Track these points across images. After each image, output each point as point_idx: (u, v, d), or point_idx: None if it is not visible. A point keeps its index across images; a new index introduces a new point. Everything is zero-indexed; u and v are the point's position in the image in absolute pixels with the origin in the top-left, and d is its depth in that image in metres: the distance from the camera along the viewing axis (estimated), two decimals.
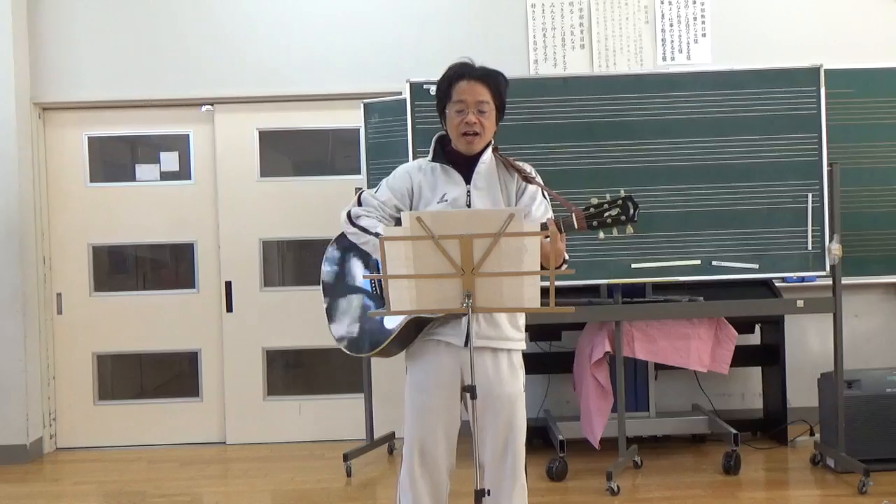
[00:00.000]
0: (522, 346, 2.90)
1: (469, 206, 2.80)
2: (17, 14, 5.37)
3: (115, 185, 5.70)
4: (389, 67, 5.39)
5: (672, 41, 5.51)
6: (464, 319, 2.75)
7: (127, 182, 5.71)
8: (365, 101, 5.11)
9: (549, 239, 2.56)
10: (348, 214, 2.93)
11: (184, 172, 5.70)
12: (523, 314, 2.87)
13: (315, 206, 5.55)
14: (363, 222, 2.87)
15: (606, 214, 2.64)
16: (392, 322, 2.82)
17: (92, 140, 5.69)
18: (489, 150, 2.86)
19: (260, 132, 5.66)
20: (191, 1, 5.55)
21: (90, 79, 5.54)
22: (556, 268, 2.66)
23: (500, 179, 2.86)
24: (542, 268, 2.57)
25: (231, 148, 5.62)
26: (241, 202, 5.62)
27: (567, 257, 2.74)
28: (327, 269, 3.06)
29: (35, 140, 5.55)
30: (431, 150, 2.92)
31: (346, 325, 2.97)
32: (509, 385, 2.83)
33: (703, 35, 5.51)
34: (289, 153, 5.82)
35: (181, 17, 5.54)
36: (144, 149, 5.77)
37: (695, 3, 5.51)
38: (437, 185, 2.85)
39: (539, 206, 2.83)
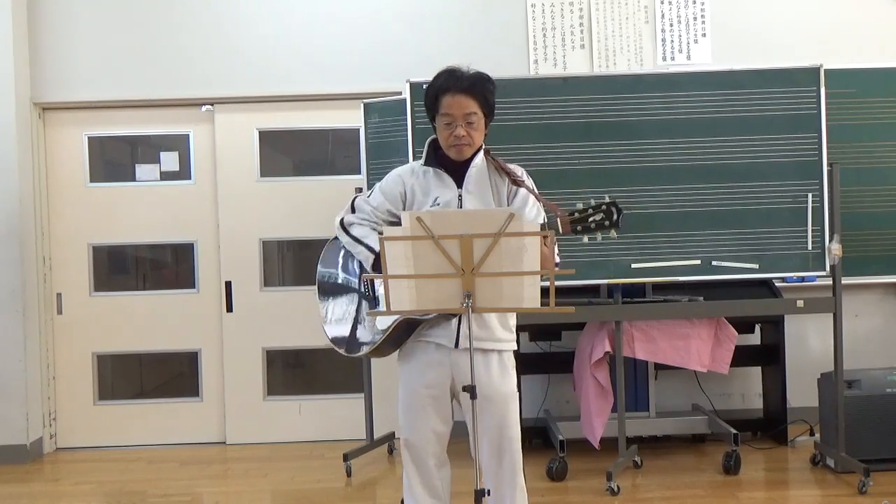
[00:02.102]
0: (513, 346, 2.91)
1: (461, 209, 2.83)
2: (17, 14, 5.37)
3: (115, 185, 5.70)
4: (389, 67, 5.39)
5: (672, 41, 5.51)
6: (454, 321, 2.78)
7: (127, 182, 5.71)
8: (365, 101, 5.12)
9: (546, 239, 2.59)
10: (342, 222, 2.96)
11: (184, 172, 5.70)
12: (514, 314, 2.88)
13: (315, 206, 5.54)
14: (355, 231, 2.92)
15: (591, 219, 2.69)
16: (384, 322, 2.84)
17: (92, 140, 5.69)
18: (480, 153, 2.88)
19: (260, 132, 5.66)
20: (191, 1, 5.55)
21: (90, 79, 5.54)
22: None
23: (492, 182, 2.89)
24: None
25: (231, 148, 5.62)
26: (241, 202, 5.62)
27: (558, 260, 2.75)
28: (322, 270, 3.08)
29: (35, 140, 5.55)
30: (424, 153, 2.93)
31: (341, 326, 3.00)
32: (500, 385, 2.84)
33: (703, 35, 5.51)
34: (289, 153, 5.82)
35: (181, 16, 5.54)
36: (144, 149, 5.77)
37: (695, 3, 5.51)
38: (430, 188, 2.88)
39: (532, 209, 2.84)
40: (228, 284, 5.62)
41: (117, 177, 5.74)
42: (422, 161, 2.93)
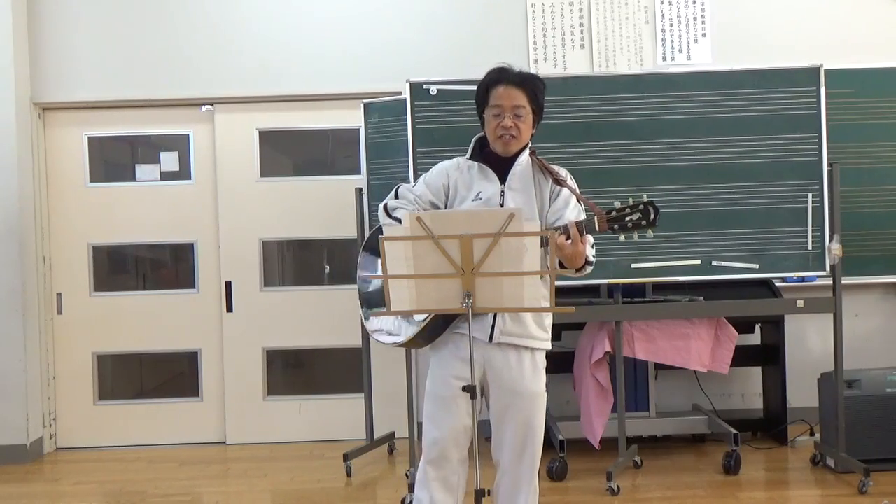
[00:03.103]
0: (547, 345, 2.91)
1: (502, 205, 2.84)
2: (17, 14, 5.37)
3: (115, 185, 5.70)
4: (389, 67, 5.39)
5: (672, 41, 5.51)
6: (489, 315, 2.77)
7: (127, 182, 5.71)
8: (365, 101, 5.11)
9: (570, 241, 2.62)
10: (385, 206, 2.96)
11: (184, 172, 5.70)
12: (550, 314, 2.89)
13: (315, 206, 5.55)
14: (399, 213, 2.89)
15: (628, 218, 2.70)
16: (420, 315, 2.83)
17: (92, 140, 5.69)
18: (526, 151, 2.90)
19: (260, 132, 5.66)
20: (191, 1, 5.55)
21: (90, 79, 5.54)
22: (579, 269, 2.69)
23: (535, 181, 2.90)
24: (563, 267, 2.61)
25: (231, 148, 5.62)
26: (241, 202, 5.62)
27: (593, 259, 2.77)
28: (361, 275, 3.08)
29: (35, 140, 5.55)
30: (470, 149, 2.96)
31: (381, 320, 2.99)
32: (531, 383, 2.85)
33: (703, 35, 5.51)
34: (289, 153, 5.82)
35: (181, 17, 5.54)
36: (144, 149, 5.77)
37: (695, 3, 5.51)
38: (473, 182, 2.90)
39: (573, 210, 2.86)
40: (228, 284, 5.62)
41: (117, 177, 5.74)
42: (467, 156, 2.95)
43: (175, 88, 5.55)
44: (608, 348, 4.53)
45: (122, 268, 5.84)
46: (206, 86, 5.55)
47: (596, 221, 2.71)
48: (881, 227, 4.98)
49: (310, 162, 5.82)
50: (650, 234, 2.72)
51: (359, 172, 5.34)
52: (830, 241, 4.38)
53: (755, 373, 5.49)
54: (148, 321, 5.64)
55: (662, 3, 5.52)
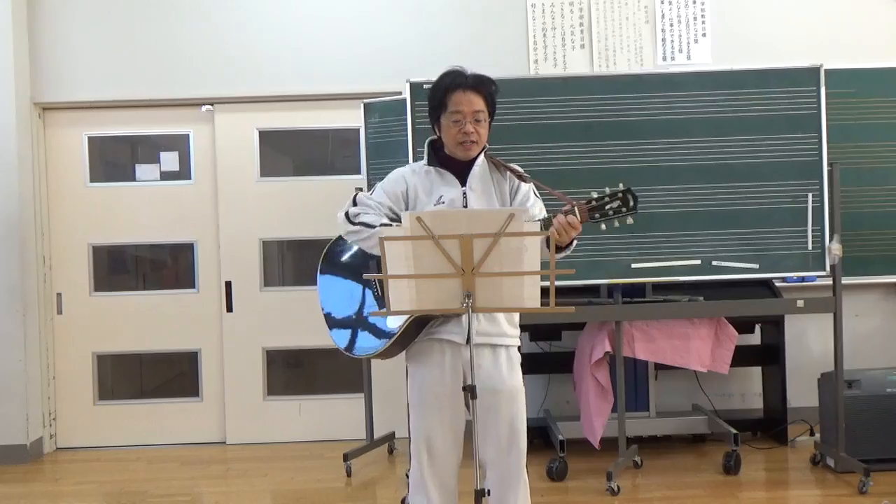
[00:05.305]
0: (518, 342, 2.96)
1: (466, 206, 2.86)
2: (17, 14, 5.37)
3: (115, 185, 5.70)
4: (389, 67, 5.39)
5: (672, 41, 5.51)
6: (464, 317, 2.78)
7: (127, 182, 5.71)
8: (365, 101, 5.12)
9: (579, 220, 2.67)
10: (346, 214, 2.96)
11: (184, 172, 5.70)
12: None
13: (315, 206, 5.54)
14: (363, 219, 2.91)
15: (608, 207, 2.73)
16: (394, 322, 2.85)
17: (92, 140, 5.69)
18: (482, 153, 2.93)
19: (260, 132, 5.66)
20: (191, 1, 5.55)
21: (90, 79, 5.54)
22: (563, 249, 2.73)
23: (494, 180, 2.93)
24: (557, 247, 2.61)
25: (231, 148, 5.62)
26: (241, 202, 5.62)
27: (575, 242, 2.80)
28: (322, 283, 3.12)
29: (35, 140, 5.55)
30: (426, 154, 2.97)
31: (348, 331, 3.01)
32: (510, 379, 2.87)
33: (703, 35, 5.51)
34: (289, 153, 5.82)
35: (181, 17, 5.54)
36: (144, 149, 5.77)
37: (695, 3, 5.51)
38: (433, 187, 2.91)
39: (534, 205, 2.89)
40: (228, 284, 5.63)
41: (117, 177, 5.74)
42: (424, 161, 2.96)
43: (175, 88, 5.55)
44: (608, 348, 4.53)
45: (122, 268, 5.84)
46: (206, 86, 5.55)
47: (577, 212, 2.72)
48: (881, 227, 4.98)
49: (310, 162, 5.82)
50: (630, 221, 2.75)
51: (359, 172, 5.34)
52: (830, 241, 4.38)
53: (755, 373, 5.49)
54: (148, 321, 5.64)
55: (662, 3, 5.52)
